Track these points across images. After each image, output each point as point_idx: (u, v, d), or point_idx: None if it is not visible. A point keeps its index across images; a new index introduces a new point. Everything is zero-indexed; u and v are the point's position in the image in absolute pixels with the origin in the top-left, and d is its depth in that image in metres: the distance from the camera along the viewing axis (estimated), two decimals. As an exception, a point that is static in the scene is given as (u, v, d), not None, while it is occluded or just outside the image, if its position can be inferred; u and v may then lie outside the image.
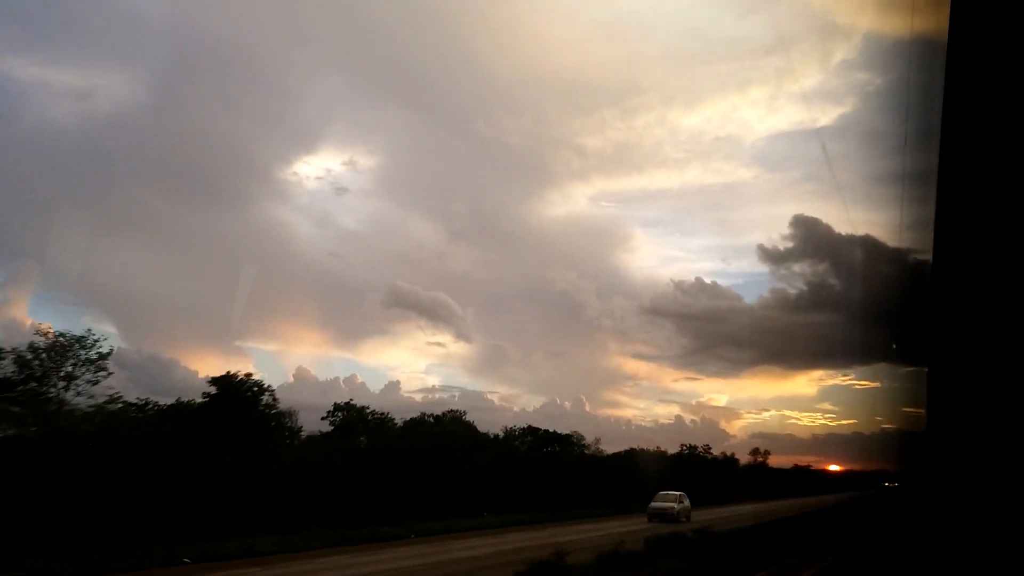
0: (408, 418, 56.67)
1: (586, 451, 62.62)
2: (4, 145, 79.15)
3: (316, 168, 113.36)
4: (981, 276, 2.60)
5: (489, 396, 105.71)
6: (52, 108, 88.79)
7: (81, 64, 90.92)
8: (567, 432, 61.89)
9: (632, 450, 66.35)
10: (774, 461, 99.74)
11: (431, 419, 55.06)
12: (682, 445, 79.09)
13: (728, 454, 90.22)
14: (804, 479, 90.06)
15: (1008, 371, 2.66)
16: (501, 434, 57.77)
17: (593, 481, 46.01)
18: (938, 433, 2.83)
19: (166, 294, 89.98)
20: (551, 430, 60.53)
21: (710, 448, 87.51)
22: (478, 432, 55.77)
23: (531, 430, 60.13)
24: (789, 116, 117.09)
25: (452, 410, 55.18)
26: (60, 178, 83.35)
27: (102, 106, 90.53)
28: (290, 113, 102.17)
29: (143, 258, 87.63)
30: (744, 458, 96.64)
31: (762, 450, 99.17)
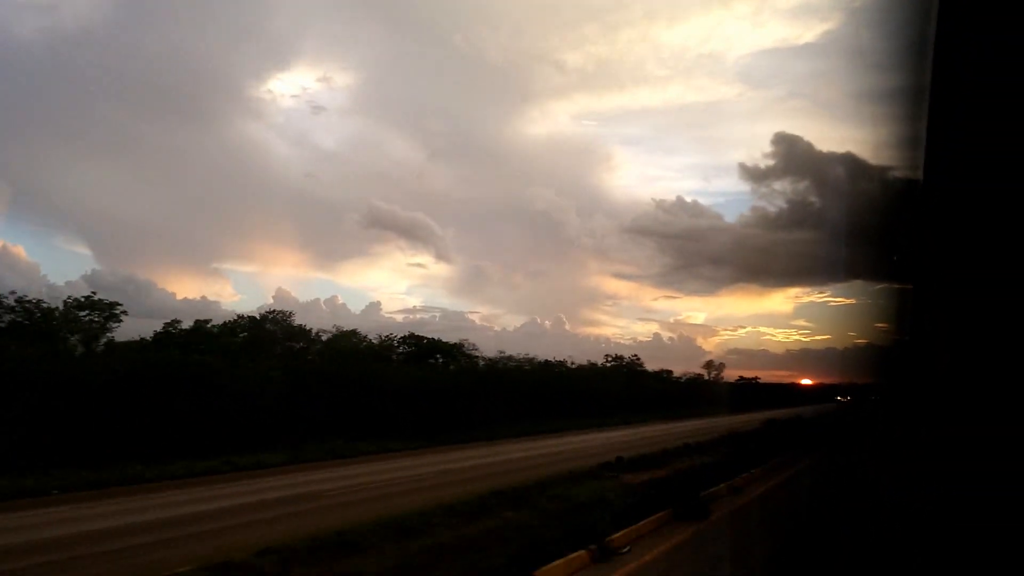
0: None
1: (477, 359, 59.26)
2: (-34, 62, 76.42)
3: (291, 86, 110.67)
4: (973, 195, 2.61)
5: (470, 316, 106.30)
6: (15, 22, 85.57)
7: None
8: (457, 342, 59.17)
9: (560, 364, 66.67)
10: (749, 375, 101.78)
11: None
12: (611, 358, 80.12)
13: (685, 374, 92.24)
14: (774, 393, 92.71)
15: (991, 291, 2.70)
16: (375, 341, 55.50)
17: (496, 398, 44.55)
18: (912, 348, 2.88)
19: (140, 215, 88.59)
20: (435, 338, 58.53)
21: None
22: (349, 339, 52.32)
23: (412, 337, 57.63)
24: (773, 32, 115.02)
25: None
26: (26, 96, 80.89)
27: (67, 20, 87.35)
28: (262, 27, 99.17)
29: (115, 178, 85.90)
30: (702, 372, 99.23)
31: (716, 363, 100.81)
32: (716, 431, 42.94)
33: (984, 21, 2.59)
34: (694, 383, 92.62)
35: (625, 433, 45.24)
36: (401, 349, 55.46)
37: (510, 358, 61.13)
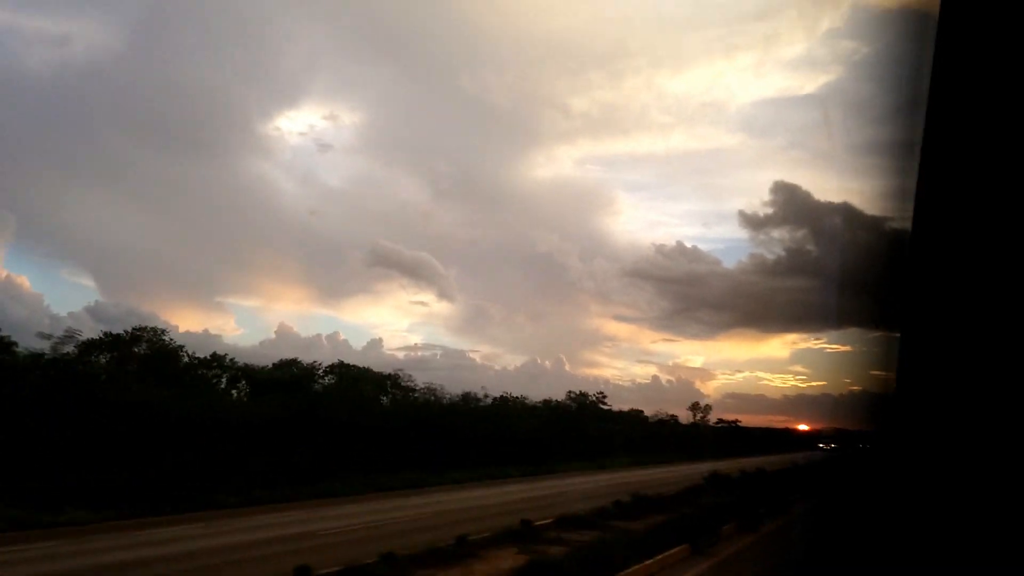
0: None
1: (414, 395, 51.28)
2: (-22, 92, 77.11)
3: (299, 123, 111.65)
4: (959, 248, 2.70)
5: (471, 355, 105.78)
6: (26, 55, 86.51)
7: (56, 10, 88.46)
8: (392, 372, 51.83)
9: (504, 401, 57.81)
10: (747, 420, 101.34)
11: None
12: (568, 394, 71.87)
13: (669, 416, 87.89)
14: (763, 438, 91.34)
15: (976, 342, 2.77)
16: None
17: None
18: (904, 397, 2.93)
19: (145, 248, 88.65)
20: (365, 367, 51.77)
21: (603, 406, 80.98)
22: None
23: (341, 366, 51.37)
24: (775, 83, 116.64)
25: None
26: (36, 128, 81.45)
27: (78, 53, 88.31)
28: (272, 65, 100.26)
29: (122, 211, 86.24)
30: (685, 415, 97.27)
31: (702, 405, 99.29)
32: (659, 483, 35.55)
33: (974, 82, 2.70)
34: (666, 426, 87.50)
35: (556, 485, 37.00)
36: (327, 379, 50.37)
37: (468, 397, 54.38)
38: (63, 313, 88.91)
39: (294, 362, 49.28)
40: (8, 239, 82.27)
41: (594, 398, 72.97)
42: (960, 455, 2.92)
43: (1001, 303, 2.53)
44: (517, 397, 60.00)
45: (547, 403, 66.43)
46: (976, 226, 2.59)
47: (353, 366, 52.99)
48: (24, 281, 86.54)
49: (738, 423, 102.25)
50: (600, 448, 58.68)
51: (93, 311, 77.16)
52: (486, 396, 56.08)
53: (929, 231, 2.79)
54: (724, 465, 50.24)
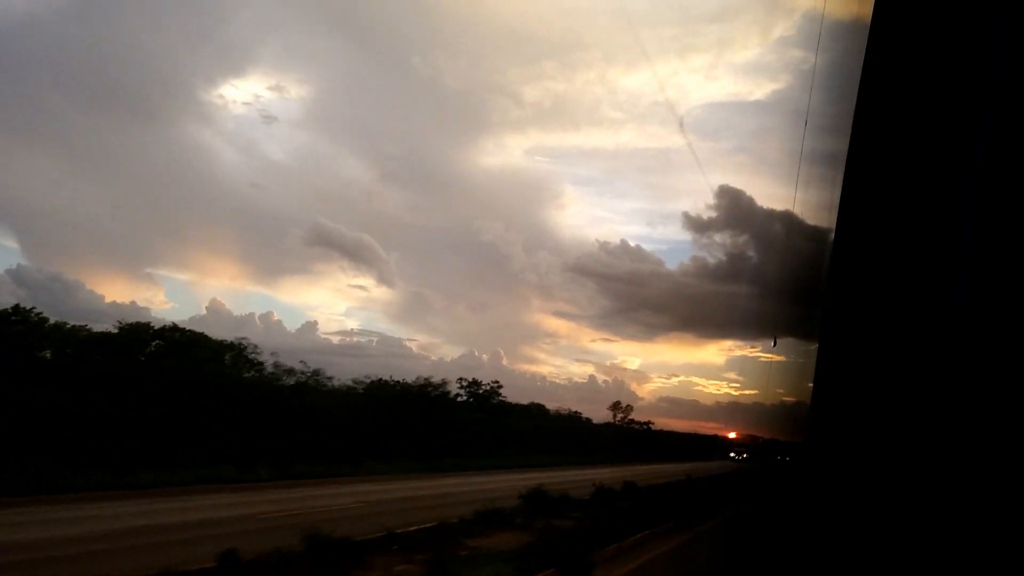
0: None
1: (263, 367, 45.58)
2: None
3: (244, 93, 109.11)
4: (875, 263, 2.70)
5: (408, 343, 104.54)
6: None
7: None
8: (234, 340, 45.12)
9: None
10: (679, 425, 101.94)
11: None
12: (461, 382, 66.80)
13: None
14: (687, 444, 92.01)
15: (886, 356, 2.78)
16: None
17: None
18: (818, 409, 2.95)
19: (75, 212, 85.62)
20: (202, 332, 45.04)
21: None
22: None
23: (174, 329, 45.02)
24: (725, 87, 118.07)
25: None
26: (-37, 79, 77.93)
27: (16, 4, 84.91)
28: (219, 31, 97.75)
29: (52, 171, 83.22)
30: (605, 415, 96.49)
31: (624, 406, 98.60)
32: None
33: (895, 96, 2.72)
34: (572, 424, 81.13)
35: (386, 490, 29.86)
36: (154, 345, 43.88)
37: (317, 373, 45.84)
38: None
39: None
40: (-72, 196, 78.90)
41: (488, 387, 68.88)
42: (869, 469, 2.94)
43: (912, 315, 2.54)
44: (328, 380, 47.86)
45: (380, 383, 53.44)
46: (888, 241, 2.60)
47: (189, 331, 46.47)
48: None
49: (650, 425, 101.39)
50: (473, 446, 48.91)
51: (15, 274, 74.77)
52: (324, 377, 47.48)
53: (848, 244, 2.79)
54: (609, 473, 42.76)
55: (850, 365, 2.81)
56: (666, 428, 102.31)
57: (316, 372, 46.08)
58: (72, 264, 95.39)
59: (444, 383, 58.73)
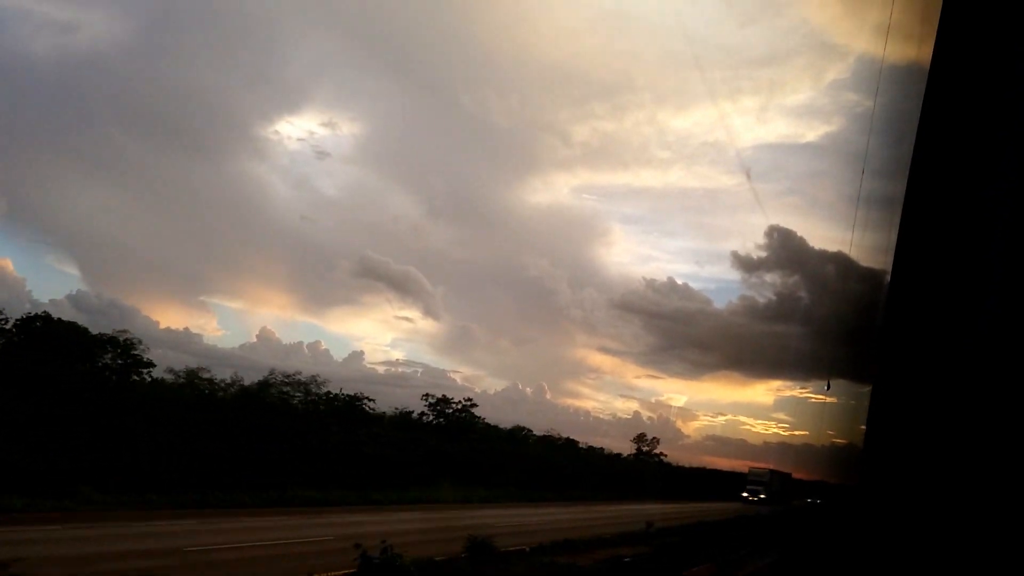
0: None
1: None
2: (-28, 73, 76.34)
3: (298, 129, 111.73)
4: (930, 307, 2.71)
5: (452, 375, 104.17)
6: (31, 39, 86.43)
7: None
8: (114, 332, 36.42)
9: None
10: (725, 464, 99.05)
11: None
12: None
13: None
14: (710, 481, 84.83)
15: (945, 408, 2.78)
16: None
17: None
18: (871, 450, 2.93)
19: (134, 241, 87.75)
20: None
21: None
22: None
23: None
24: (777, 129, 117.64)
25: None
26: (34, 113, 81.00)
27: (83, 42, 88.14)
28: (276, 70, 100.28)
29: (113, 202, 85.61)
30: (629, 447, 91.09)
31: (649, 439, 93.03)
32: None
33: (955, 142, 2.74)
34: (560, 453, 62.30)
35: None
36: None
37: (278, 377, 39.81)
38: (44, 299, 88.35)
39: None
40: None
41: (460, 404, 55.68)
42: (924, 508, 2.92)
43: (971, 360, 2.55)
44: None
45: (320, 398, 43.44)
46: (947, 288, 2.61)
47: (52, 318, 38.66)
48: (7, 263, 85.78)
49: (662, 457, 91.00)
50: (432, 474, 40.84)
51: (75, 299, 76.67)
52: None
53: (904, 286, 2.81)
54: (583, 514, 36.87)
55: (906, 407, 2.80)
56: (711, 466, 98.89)
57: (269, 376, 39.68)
58: (129, 291, 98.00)
59: (445, 401, 55.27)
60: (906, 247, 2.90)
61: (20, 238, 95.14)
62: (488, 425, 61.55)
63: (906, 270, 2.89)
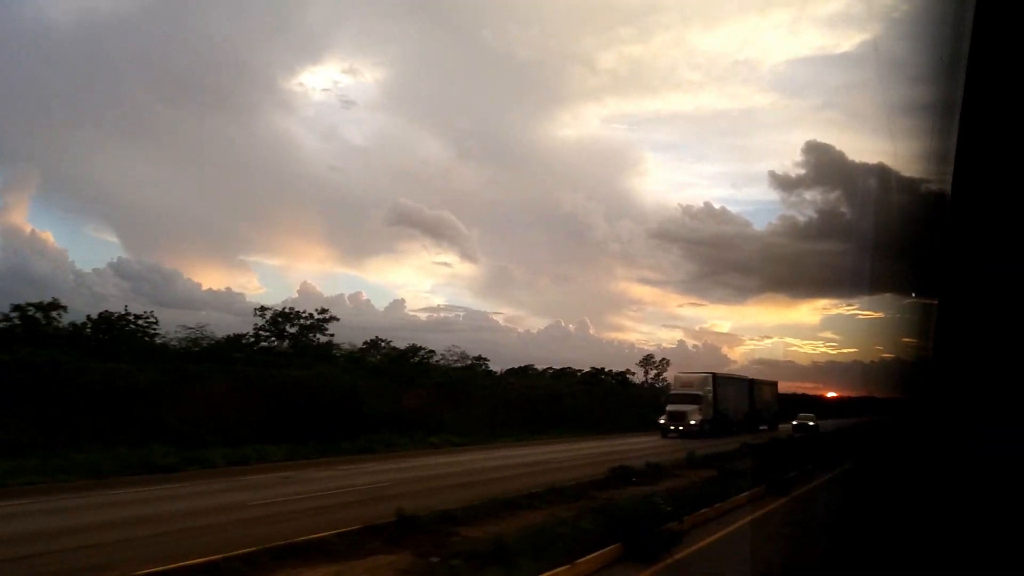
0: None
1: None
2: (3, 44, 77.09)
3: (322, 79, 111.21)
4: (1001, 212, 2.61)
5: (494, 317, 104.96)
6: (49, 5, 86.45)
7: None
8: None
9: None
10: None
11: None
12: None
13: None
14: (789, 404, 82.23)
15: (1018, 311, 2.69)
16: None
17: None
18: (940, 365, 2.86)
19: (169, 204, 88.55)
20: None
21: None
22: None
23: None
24: (810, 41, 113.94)
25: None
26: (59, 81, 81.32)
27: (102, 5, 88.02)
28: (296, 20, 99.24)
29: (146, 166, 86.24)
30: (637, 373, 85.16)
31: (656, 360, 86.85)
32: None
33: (1017, 39, 2.59)
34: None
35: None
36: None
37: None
38: (87, 269, 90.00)
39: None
40: (32, 193, 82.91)
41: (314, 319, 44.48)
42: (997, 427, 2.86)
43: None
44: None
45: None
46: (1020, 189, 2.50)
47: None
48: (48, 236, 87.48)
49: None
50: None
51: (117, 267, 78.05)
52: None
53: (970, 194, 2.70)
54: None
55: (975, 321, 2.73)
56: None
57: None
58: (169, 255, 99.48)
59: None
60: (968, 153, 2.78)
61: (58, 209, 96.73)
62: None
63: (969, 178, 2.78)
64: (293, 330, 43.52)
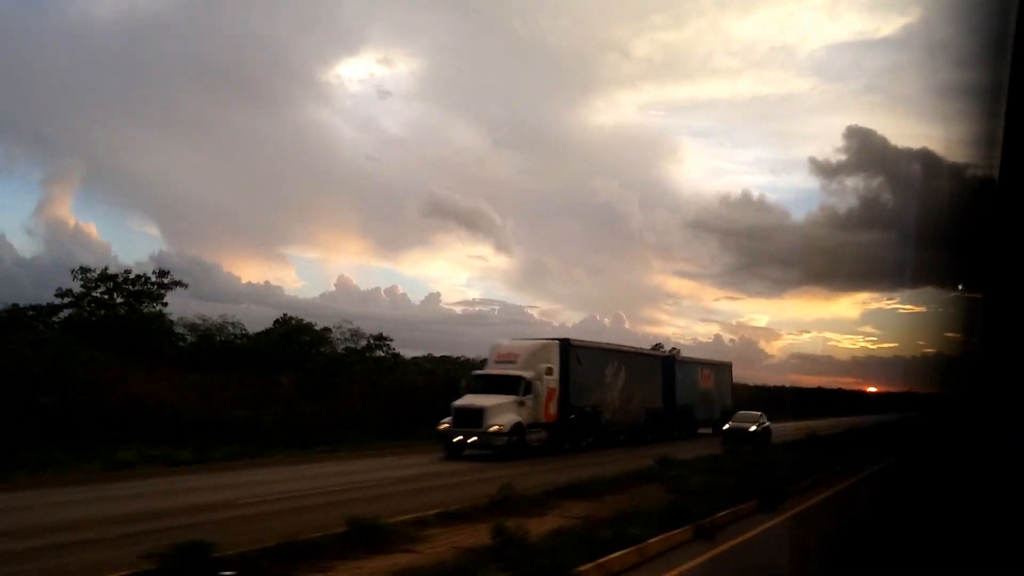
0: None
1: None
2: (48, 40, 78.33)
3: (358, 71, 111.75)
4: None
5: (529, 310, 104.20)
6: (94, 4, 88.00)
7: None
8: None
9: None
10: (811, 381, 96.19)
11: None
12: None
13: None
14: (821, 400, 79.45)
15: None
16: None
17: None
18: (987, 359, 2.73)
19: (210, 197, 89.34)
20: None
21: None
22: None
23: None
24: (849, 25, 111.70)
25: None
26: (102, 76, 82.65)
27: (144, 3, 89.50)
28: (331, 12, 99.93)
29: (186, 160, 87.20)
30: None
31: (668, 350, 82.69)
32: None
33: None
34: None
35: None
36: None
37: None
38: (130, 262, 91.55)
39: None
40: (77, 186, 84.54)
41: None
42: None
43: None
44: None
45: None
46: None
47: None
48: (92, 229, 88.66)
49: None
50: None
51: (158, 260, 79.13)
52: None
53: (1018, 181, 2.56)
54: None
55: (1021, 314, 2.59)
56: (798, 385, 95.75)
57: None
58: (209, 248, 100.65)
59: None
60: (1017, 138, 2.64)
61: (102, 202, 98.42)
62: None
63: (1018, 163, 2.64)
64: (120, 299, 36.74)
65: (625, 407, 32.30)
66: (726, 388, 46.15)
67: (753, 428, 34.37)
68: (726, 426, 35.75)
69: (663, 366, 38.37)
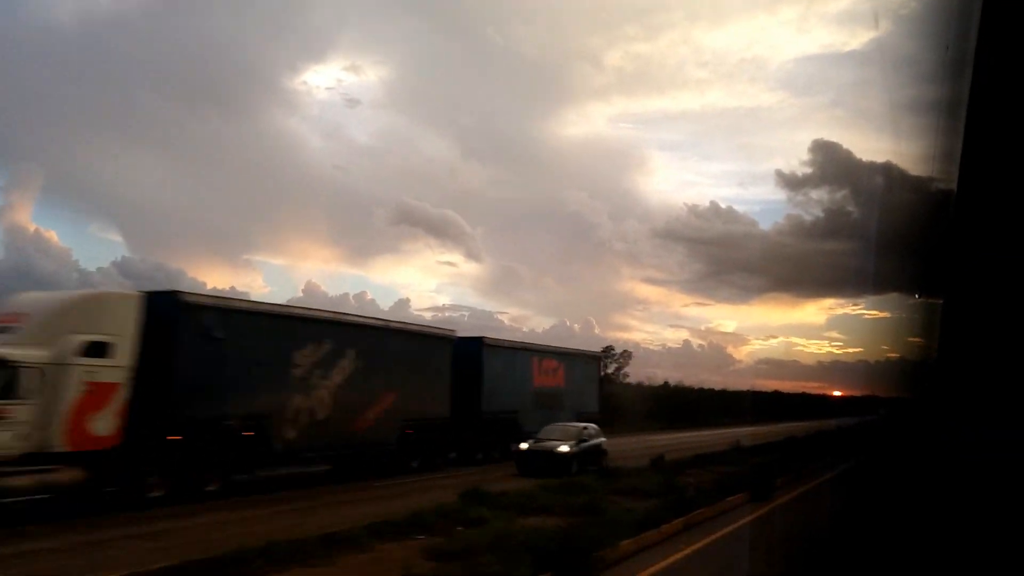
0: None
1: None
2: (4, 43, 76.70)
3: (326, 78, 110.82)
4: (1005, 211, 2.61)
5: (499, 317, 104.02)
6: (52, 6, 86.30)
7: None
8: None
9: None
10: (778, 386, 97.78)
11: None
12: None
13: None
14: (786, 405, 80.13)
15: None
16: None
17: None
18: (945, 364, 2.86)
19: (173, 204, 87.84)
20: None
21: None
22: None
23: None
24: (819, 39, 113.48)
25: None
26: (61, 80, 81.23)
27: (104, 5, 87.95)
28: (299, 18, 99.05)
29: (150, 166, 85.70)
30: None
31: (618, 353, 79.90)
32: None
33: (1021, 39, 2.58)
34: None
35: None
36: None
37: None
38: (92, 268, 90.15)
39: None
40: (36, 193, 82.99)
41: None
42: (1003, 425, 2.85)
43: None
44: None
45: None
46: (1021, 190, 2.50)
47: None
48: (52, 236, 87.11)
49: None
50: None
51: (121, 267, 78.05)
52: None
53: (975, 193, 2.70)
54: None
55: (981, 321, 2.72)
56: (765, 389, 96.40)
57: None
58: (174, 254, 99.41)
59: None
60: (974, 153, 2.77)
61: (62, 209, 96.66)
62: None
63: (975, 177, 2.77)
64: None
65: (345, 416, 20.95)
66: (588, 389, 34.65)
67: (565, 449, 23.71)
68: (524, 445, 24.59)
69: (458, 353, 26.88)
